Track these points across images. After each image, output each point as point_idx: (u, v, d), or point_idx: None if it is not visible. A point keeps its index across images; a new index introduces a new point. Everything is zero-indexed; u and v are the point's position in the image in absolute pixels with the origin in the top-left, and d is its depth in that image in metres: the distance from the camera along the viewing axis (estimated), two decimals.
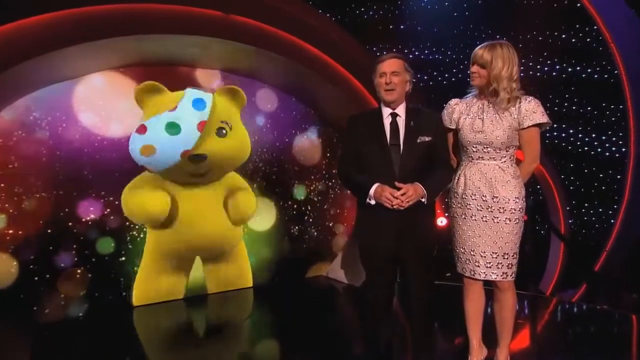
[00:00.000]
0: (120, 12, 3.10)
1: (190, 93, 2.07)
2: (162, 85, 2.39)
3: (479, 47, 2.07)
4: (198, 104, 2.03)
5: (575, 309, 3.62)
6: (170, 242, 2.79)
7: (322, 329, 3.08)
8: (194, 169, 1.96)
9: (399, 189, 2.05)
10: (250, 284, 3.61)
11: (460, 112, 2.17)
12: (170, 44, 3.37)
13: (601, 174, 4.79)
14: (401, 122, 2.15)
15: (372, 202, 2.09)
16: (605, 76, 4.59)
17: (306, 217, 4.39)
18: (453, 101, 2.24)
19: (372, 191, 2.08)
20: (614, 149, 4.70)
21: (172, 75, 3.64)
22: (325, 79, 4.07)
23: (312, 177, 4.43)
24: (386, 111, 2.17)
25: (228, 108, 2.35)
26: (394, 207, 2.02)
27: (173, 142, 1.82)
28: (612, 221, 4.69)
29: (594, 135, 4.76)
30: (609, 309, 3.46)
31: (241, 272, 3.44)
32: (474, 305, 2.27)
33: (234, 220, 2.63)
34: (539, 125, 2.05)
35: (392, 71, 2.11)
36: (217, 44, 3.51)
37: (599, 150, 4.76)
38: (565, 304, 3.72)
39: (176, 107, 2.11)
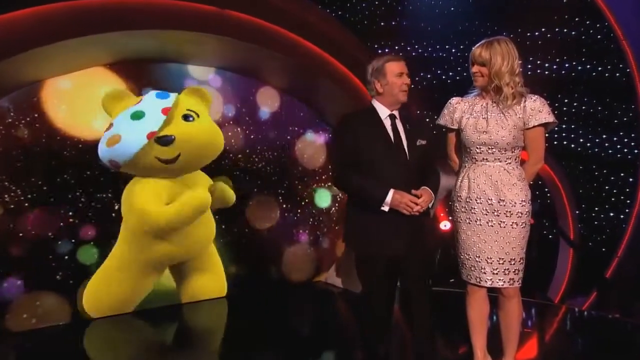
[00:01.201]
0: (109, 6, 3.06)
1: (153, 91, 2.15)
2: (128, 90, 2.40)
3: (476, 46, 2.07)
4: (161, 94, 2.11)
5: (585, 318, 3.57)
6: (158, 248, 2.76)
7: (319, 338, 3.03)
8: (163, 153, 1.94)
9: (414, 194, 2.02)
10: (224, 293, 3.49)
11: (463, 111, 2.14)
12: (163, 39, 3.32)
13: (612, 177, 4.73)
14: (399, 124, 2.15)
15: (386, 208, 2.01)
16: (617, 74, 4.53)
17: (304, 220, 4.32)
18: (454, 100, 2.21)
19: (389, 198, 2.00)
20: (625, 150, 4.63)
21: (166, 72, 3.60)
22: (325, 77, 4.03)
23: (317, 177, 4.38)
24: (384, 112, 2.14)
25: (195, 103, 2.39)
26: (412, 213, 2.00)
27: (138, 126, 1.85)
28: (623, 226, 4.63)
29: (604, 135, 4.70)
30: (621, 317, 3.41)
31: (217, 281, 3.37)
32: (478, 313, 2.20)
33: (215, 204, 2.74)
34: (544, 125, 2.03)
35: (407, 72, 2.13)
36: (212, 41, 3.47)
37: (610, 151, 4.69)
38: (574, 312, 3.67)
39: (140, 101, 2.15)
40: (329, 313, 3.71)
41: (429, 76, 4.75)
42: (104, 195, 3.24)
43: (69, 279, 3.17)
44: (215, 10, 3.50)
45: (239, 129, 3.95)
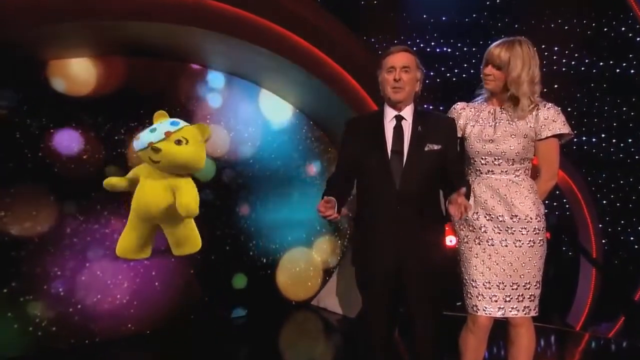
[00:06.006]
0: None
1: (172, 119, 3.15)
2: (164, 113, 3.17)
3: (495, 45, 2.00)
4: (175, 123, 3.07)
5: (611, 347, 3.50)
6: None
7: None
8: (152, 156, 3.00)
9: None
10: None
11: (467, 118, 2.12)
12: (132, 32, 3.20)
13: (639, 185, 4.69)
14: (407, 126, 2.07)
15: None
16: None
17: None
18: (459, 105, 2.18)
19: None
20: None
21: (136, 68, 3.50)
22: (316, 77, 3.93)
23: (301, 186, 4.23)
24: (390, 113, 2.09)
25: (195, 134, 3.23)
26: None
27: (148, 136, 2.96)
28: None
29: (630, 140, 4.67)
30: None
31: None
32: (474, 352, 2.10)
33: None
34: (559, 136, 2.01)
35: (402, 66, 2.02)
36: (187, 34, 3.36)
37: (637, 157, 4.67)
38: (599, 340, 3.65)
39: (161, 122, 3.13)
40: (320, 341, 3.69)
41: (432, 74, 4.70)
42: None
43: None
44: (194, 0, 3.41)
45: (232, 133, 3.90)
